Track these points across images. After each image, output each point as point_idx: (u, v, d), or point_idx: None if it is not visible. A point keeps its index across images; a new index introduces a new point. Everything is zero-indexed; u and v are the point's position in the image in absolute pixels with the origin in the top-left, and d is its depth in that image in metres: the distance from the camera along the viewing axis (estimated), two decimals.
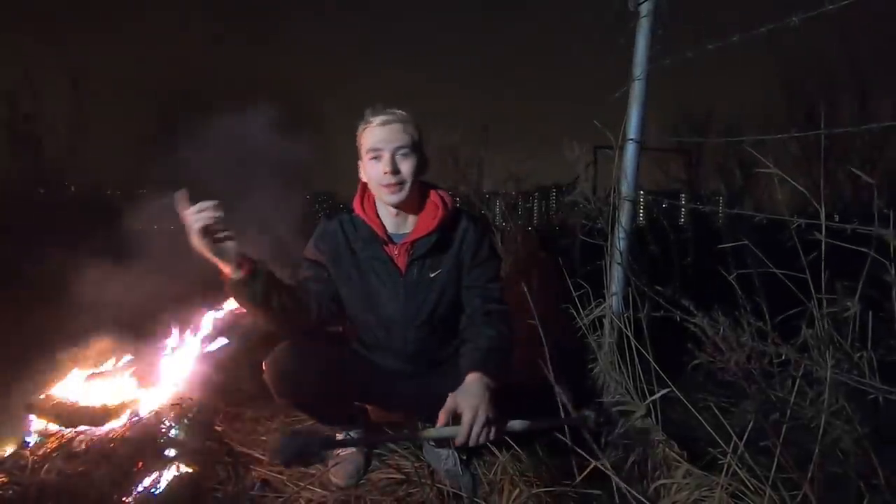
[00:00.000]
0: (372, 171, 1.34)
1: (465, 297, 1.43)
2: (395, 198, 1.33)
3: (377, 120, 1.32)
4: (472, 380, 1.21)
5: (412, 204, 1.39)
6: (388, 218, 1.41)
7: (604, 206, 1.74)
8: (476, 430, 1.14)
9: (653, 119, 1.74)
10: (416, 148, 1.34)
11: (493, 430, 1.16)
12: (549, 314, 1.81)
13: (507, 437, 1.42)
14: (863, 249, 1.02)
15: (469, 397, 1.17)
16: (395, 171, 1.31)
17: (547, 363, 1.14)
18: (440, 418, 1.17)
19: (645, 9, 1.63)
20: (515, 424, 1.20)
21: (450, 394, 1.20)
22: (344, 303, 1.46)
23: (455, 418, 1.16)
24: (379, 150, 1.32)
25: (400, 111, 1.34)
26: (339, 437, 1.63)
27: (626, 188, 1.71)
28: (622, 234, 1.71)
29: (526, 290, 1.26)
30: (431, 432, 1.19)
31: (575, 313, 1.74)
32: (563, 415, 1.16)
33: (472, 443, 1.15)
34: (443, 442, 1.46)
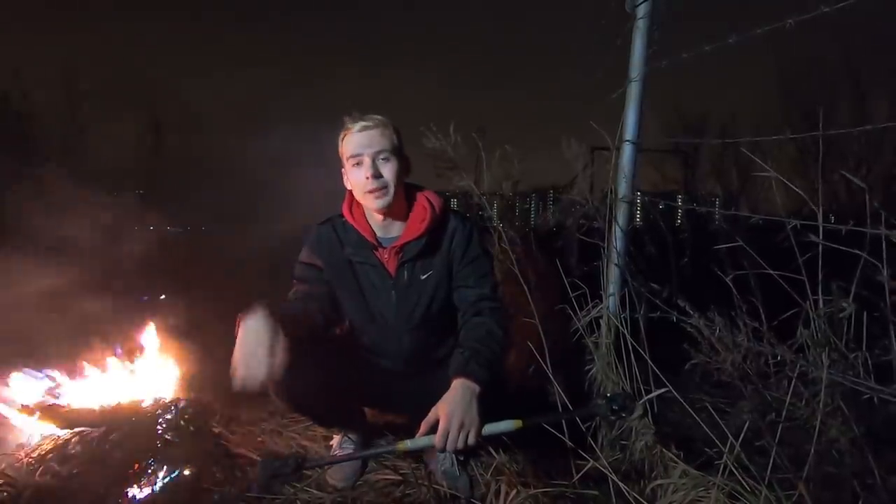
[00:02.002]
0: (354, 178, 1.35)
1: (456, 297, 1.42)
2: (381, 202, 1.33)
3: (356, 126, 1.33)
4: (454, 386, 1.20)
5: (399, 208, 1.39)
6: (377, 222, 1.40)
7: (601, 207, 1.74)
8: (452, 435, 1.12)
9: (651, 119, 1.74)
10: (397, 152, 1.35)
11: (470, 434, 1.14)
12: (546, 315, 1.81)
13: (504, 437, 1.41)
14: (855, 251, 1.02)
15: (447, 404, 1.16)
16: (378, 175, 1.31)
17: (545, 362, 1.14)
18: (420, 429, 1.16)
19: (642, 10, 1.63)
20: (509, 424, 1.17)
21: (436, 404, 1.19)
22: (341, 305, 1.46)
23: (436, 426, 1.15)
24: (360, 155, 1.32)
25: (378, 116, 1.34)
26: (336, 440, 1.63)
27: (623, 189, 1.71)
28: (619, 235, 1.71)
29: (524, 290, 1.26)
30: (408, 444, 1.18)
31: (572, 314, 1.73)
32: (560, 409, 1.14)
33: (449, 448, 1.13)
34: None
